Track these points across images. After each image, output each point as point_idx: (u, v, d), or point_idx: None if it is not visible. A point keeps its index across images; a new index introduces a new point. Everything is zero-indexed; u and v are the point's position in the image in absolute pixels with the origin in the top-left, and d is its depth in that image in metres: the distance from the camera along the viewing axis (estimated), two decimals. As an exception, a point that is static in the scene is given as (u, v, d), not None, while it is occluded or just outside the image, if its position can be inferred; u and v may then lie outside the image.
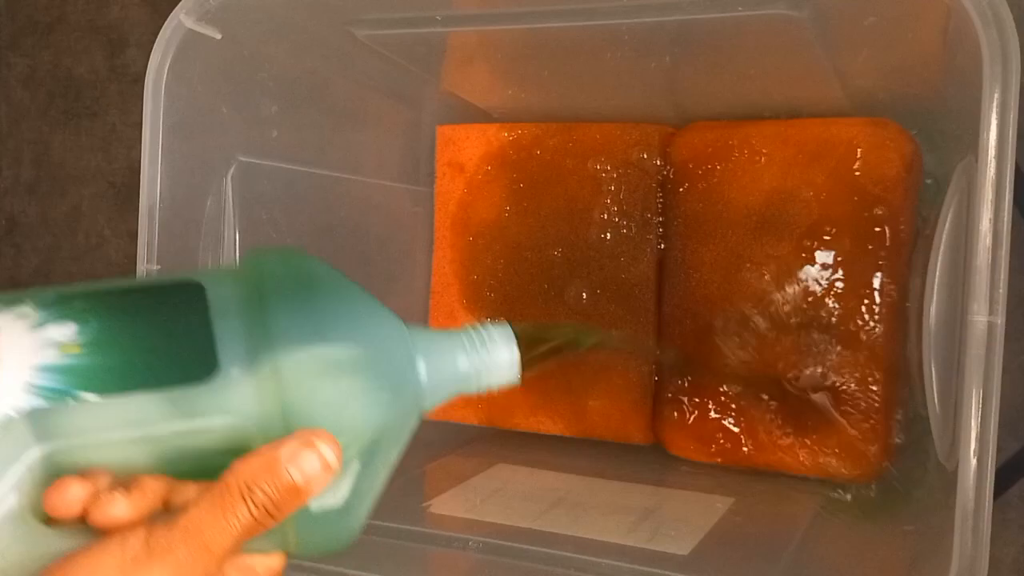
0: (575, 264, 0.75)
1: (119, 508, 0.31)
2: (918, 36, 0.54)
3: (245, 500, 0.31)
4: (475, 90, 0.78)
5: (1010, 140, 0.40)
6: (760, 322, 0.68)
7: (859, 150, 0.66)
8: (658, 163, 0.73)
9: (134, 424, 0.32)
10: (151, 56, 0.54)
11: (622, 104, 0.73)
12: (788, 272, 0.67)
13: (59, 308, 0.34)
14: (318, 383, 0.33)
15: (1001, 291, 0.40)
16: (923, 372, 0.50)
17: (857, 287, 0.65)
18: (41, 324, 0.33)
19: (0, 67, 1.02)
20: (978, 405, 0.40)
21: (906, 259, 0.65)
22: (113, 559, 0.30)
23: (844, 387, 0.66)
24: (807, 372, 0.67)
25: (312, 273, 0.36)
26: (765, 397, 0.68)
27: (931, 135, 0.65)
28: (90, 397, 0.32)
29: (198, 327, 0.33)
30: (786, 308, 0.67)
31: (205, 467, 0.33)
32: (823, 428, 0.66)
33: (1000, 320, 0.40)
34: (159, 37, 0.54)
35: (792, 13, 0.50)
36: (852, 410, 0.65)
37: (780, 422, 0.67)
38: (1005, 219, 0.41)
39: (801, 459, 0.67)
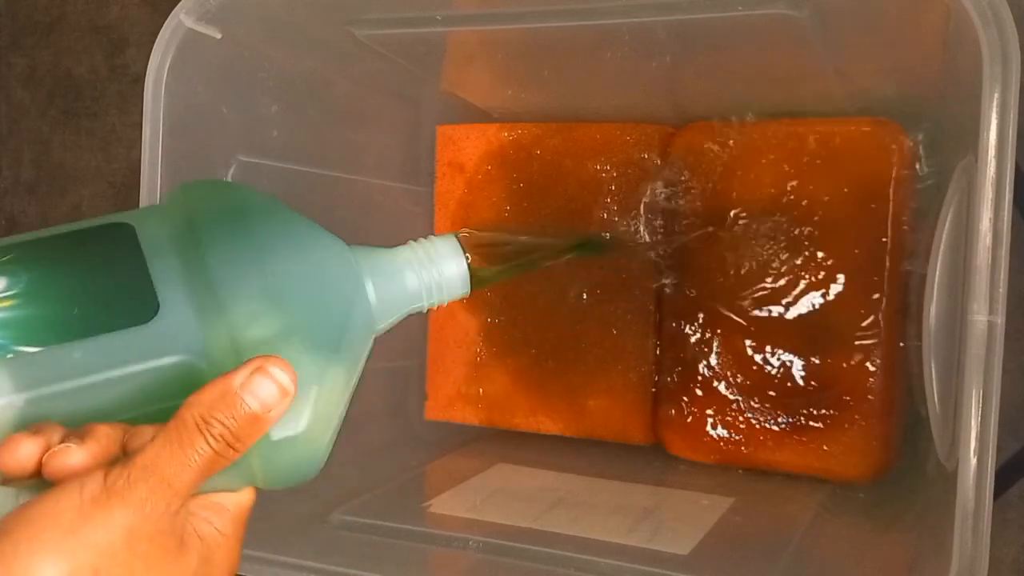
0: (575, 264, 0.75)
1: (74, 457, 0.30)
2: (918, 36, 0.54)
3: (203, 432, 0.30)
4: (475, 90, 0.78)
5: (1010, 140, 0.40)
6: (760, 322, 0.68)
7: (859, 150, 0.66)
8: (658, 163, 0.73)
9: (80, 372, 0.32)
10: (151, 56, 0.54)
11: (622, 104, 0.73)
12: (788, 271, 0.67)
13: None
14: (264, 311, 0.32)
15: (1001, 291, 0.40)
16: (923, 372, 0.50)
17: (857, 287, 0.65)
18: None
19: (0, 67, 1.02)
20: (978, 405, 0.40)
21: (906, 259, 0.65)
22: (71, 502, 0.29)
23: (844, 387, 0.66)
24: (807, 371, 0.67)
25: (245, 201, 0.35)
26: (765, 396, 0.68)
27: (931, 135, 0.65)
28: (30, 350, 0.31)
29: (133, 268, 0.33)
30: (786, 308, 0.67)
31: (160, 411, 0.32)
32: (823, 428, 0.66)
33: (1000, 320, 0.40)
34: (159, 37, 0.54)
35: (792, 13, 0.50)
36: (852, 410, 0.65)
37: (780, 422, 0.67)
38: (1005, 219, 0.40)
39: (801, 459, 0.67)
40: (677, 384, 0.71)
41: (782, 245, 0.67)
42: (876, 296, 0.65)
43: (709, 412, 0.70)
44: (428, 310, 0.39)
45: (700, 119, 0.73)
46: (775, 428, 0.68)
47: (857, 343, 0.65)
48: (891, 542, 0.58)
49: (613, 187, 0.74)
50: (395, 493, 0.65)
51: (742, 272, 0.68)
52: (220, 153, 0.60)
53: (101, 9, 0.98)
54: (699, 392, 0.70)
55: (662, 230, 0.72)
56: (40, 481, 0.31)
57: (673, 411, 0.71)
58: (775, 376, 0.68)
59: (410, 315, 0.38)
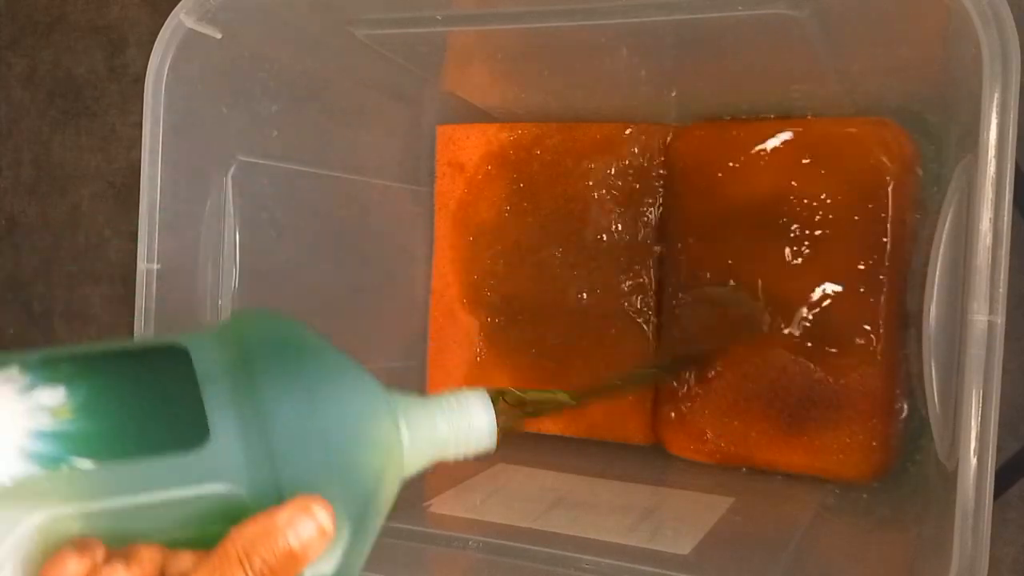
0: (575, 264, 0.75)
1: None
2: (918, 36, 0.54)
3: (243, 566, 0.31)
4: (475, 90, 0.78)
5: (1010, 140, 0.40)
6: (760, 322, 0.68)
7: (859, 150, 0.66)
8: (658, 163, 0.73)
9: (129, 492, 0.32)
10: (151, 56, 0.54)
11: (622, 104, 0.73)
12: (788, 272, 0.67)
13: (46, 371, 0.33)
14: (308, 450, 0.33)
15: (1001, 291, 0.40)
16: (923, 372, 0.50)
17: (856, 287, 0.65)
18: (30, 388, 0.32)
19: (0, 67, 1.02)
20: (978, 405, 0.40)
21: (906, 259, 0.65)
22: None
23: (844, 387, 0.66)
24: (806, 371, 0.67)
25: (296, 338, 0.36)
26: (765, 397, 0.68)
27: (931, 135, 0.65)
28: (85, 463, 0.32)
29: (186, 393, 0.33)
30: (786, 308, 0.67)
31: (199, 535, 0.33)
32: (823, 428, 0.66)
33: (1000, 320, 0.40)
34: (159, 37, 0.54)
35: (792, 13, 0.50)
36: (852, 410, 0.65)
37: (780, 422, 0.67)
38: (1005, 219, 0.40)
39: (801, 459, 0.67)
40: (677, 384, 0.71)
41: (782, 245, 0.67)
42: (876, 296, 0.65)
43: (709, 412, 0.70)
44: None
45: (700, 119, 0.73)
46: (775, 428, 0.68)
47: (857, 343, 0.65)
48: (891, 542, 0.59)
49: (613, 187, 0.74)
50: (395, 493, 0.65)
51: (742, 273, 0.68)
52: (220, 153, 0.60)
53: (101, 9, 0.98)
54: (699, 392, 0.70)
55: (661, 230, 0.72)
56: None
57: (673, 411, 0.71)
58: (775, 376, 0.68)
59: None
